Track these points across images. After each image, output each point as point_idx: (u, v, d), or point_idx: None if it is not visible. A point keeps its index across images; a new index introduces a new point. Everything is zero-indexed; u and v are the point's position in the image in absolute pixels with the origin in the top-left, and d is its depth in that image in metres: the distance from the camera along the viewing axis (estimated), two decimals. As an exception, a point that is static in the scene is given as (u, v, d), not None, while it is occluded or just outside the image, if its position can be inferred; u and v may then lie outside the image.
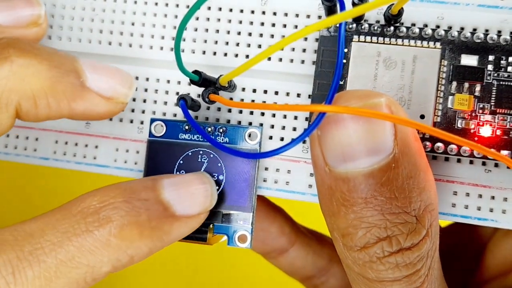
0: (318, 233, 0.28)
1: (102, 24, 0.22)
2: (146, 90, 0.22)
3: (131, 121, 0.22)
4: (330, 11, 0.19)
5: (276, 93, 0.21)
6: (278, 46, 0.16)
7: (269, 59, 0.21)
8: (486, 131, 0.19)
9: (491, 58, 0.19)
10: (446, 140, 0.17)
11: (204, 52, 0.21)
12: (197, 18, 0.21)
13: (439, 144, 0.19)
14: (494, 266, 0.24)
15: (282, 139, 0.21)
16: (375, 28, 0.19)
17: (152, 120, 0.21)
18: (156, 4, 0.22)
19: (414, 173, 0.16)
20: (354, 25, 0.19)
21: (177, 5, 0.22)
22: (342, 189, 0.17)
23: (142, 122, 0.22)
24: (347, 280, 0.26)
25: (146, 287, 0.37)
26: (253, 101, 0.21)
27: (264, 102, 0.21)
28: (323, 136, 0.17)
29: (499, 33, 0.19)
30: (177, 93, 0.21)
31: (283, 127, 0.21)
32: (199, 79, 0.19)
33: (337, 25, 0.19)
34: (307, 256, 0.26)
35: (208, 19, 0.21)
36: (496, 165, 0.19)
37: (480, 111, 0.19)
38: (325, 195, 0.17)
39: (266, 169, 0.21)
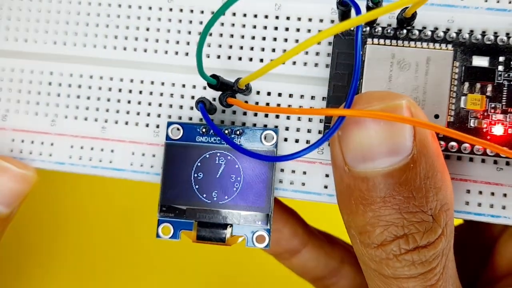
0: (329, 234, 0.28)
1: (119, 30, 0.22)
2: (161, 94, 0.22)
3: (147, 125, 0.22)
4: (344, 15, 0.20)
5: (291, 95, 0.21)
6: (297, 50, 0.16)
7: (284, 63, 0.21)
8: (498, 130, 0.19)
9: (501, 59, 0.19)
10: (460, 140, 0.17)
11: (218, 57, 0.22)
12: (211, 23, 0.22)
13: (453, 143, 0.19)
14: (504, 264, 0.24)
15: (297, 141, 0.21)
16: (389, 31, 0.20)
17: (169, 124, 0.21)
18: (171, 10, 0.22)
19: (432, 174, 0.17)
20: (368, 28, 0.20)
21: (192, 11, 0.22)
22: (361, 188, 0.17)
23: (158, 126, 0.22)
24: (358, 281, 0.27)
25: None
26: (267, 104, 0.21)
27: (279, 104, 0.21)
28: (344, 136, 0.17)
29: (508, 35, 0.20)
30: (192, 97, 0.22)
31: (298, 129, 0.21)
32: (217, 83, 0.20)
33: (351, 29, 0.20)
34: (319, 257, 0.26)
35: (222, 24, 0.22)
36: (508, 163, 0.20)
37: (492, 110, 0.19)
38: (344, 194, 0.18)
39: (282, 170, 0.21)
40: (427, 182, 0.17)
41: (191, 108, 0.22)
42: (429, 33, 0.20)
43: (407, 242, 0.17)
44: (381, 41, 0.20)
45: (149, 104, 0.22)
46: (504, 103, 0.19)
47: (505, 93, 0.19)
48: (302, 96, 0.21)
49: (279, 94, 0.21)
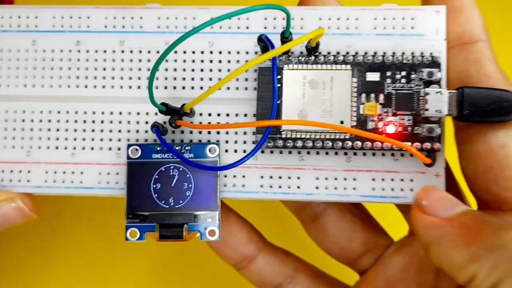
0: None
1: (79, 71, 0.27)
2: (120, 122, 0.26)
3: (110, 148, 0.26)
4: (264, 48, 0.25)
5: (228, 114, 0.26)
6: (228, 79, 0.21)
7: (220, 89, 0.26)
8: (391, 129, 0.24)
9: (389, 73, 0.25)
10: (363, 138, 0.22)
11: (166, 87, 0.26)
12: (158, 60, 0.26)
13: (358, 142, 0.24)
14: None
15: (235, 151, 0.26)
16: (300, 58, 0.25)
17: (129, 146, 0.25)
18: (123, 51, 0.26)
19: None
20: (284, 56, 0.25)
21: (140, 51, 0.26)
22: None
23: (119, 149, 0.26)
24: None
25: None
26: (209, 123, 0.26)
27: (219, 123, 0.26)
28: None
29: (393, 54, 0.25)
30: (146, 122, 0.26)
31: (236, 141, 0.26)
32: (166, 109, 0.24)
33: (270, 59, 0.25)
34: (274, 263, 0.29)
35: (167, 60, 0.26)
36: (402, 154, 0.25)
37: (385, 114, 0.24)
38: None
39: (226, 176, 0.26)
40: None
41: (146, 131, 0.26)
42: (332, 57, 0.25)
43: None
44: (295, 66, 0.25)
45: (110, 131, 0.26)
46: (393, 107, 0.24)
47: (394, 100, 0.24)
48: (237, 115, 0.26)
49: (218, 114, 0.26)
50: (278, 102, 0.24)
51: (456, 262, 0.21)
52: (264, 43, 0.24)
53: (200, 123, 0.26)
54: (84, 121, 0.26)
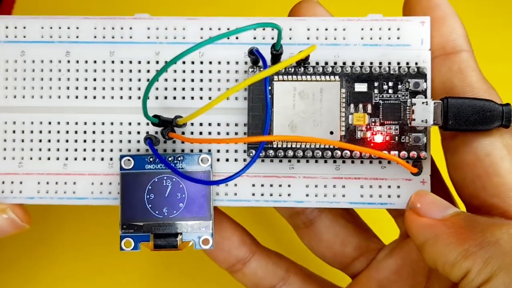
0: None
1: (70, 82, 0.27)
2: (112, 132, 0.27)
3: (102, 159, 0.27)
4: (255, 61, 0.25)
5: (219, 124, 0.26)
6: (226, 94, 0.21)
7: (210, 98, 0.26)
8: (378, 138, 0.25)
9: (376, 84, 0.25)
10: (351, 149, 0.23)
11: (157, 97, 0.27)
12: (148, 71, 0.27)
13: (347, 152, 0.25)
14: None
15: (227, 160, 0.26)
16: (290, 69, 0.25)
17: (122, 156, 0.26)
18: (113, 62, 0.27)
19: None
20: (274, 68, 0.25)
21: (130, 62, 0.27)
22: None
23: (111, 159, 0.27)
24: None
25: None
26: (201, 133, 0.26)
27: (210, 132, 0.26)
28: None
29: (380, 64, 0.26)
30: (138, 133, 0.27)
31: (227, 151, 0.26)
32: (158, 121, 0.25)
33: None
34: (267, 265, 0.29)
35: (157, 71, 0.26)
36: (389, 162, 0.26)
37: (373, 124, 0.25)
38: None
39: (218, 185, 0.26)
40: None
41: (138, 141, 0.26)
42: (321, 68, 0.25)
43: None
44: (285, 77, 0.25)
45: (102, 141, 0.27)
46: (381, 117, 0.25)
47: (381, 110, 0.25)
48: (228, 124, 0.26)
49: (209, 124, 0.26)
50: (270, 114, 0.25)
51: (450, 259, 0.22)
52: (255, 56, 0.25)
53: (192, 133, 0.26)
54: (76, 132, 0.27)
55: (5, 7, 0.41)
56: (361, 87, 0.25)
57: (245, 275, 0.29)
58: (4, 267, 0.38)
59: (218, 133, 0.26)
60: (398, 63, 0.26)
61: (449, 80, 0.25)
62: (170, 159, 0.26)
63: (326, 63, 0.26)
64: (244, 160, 0.26)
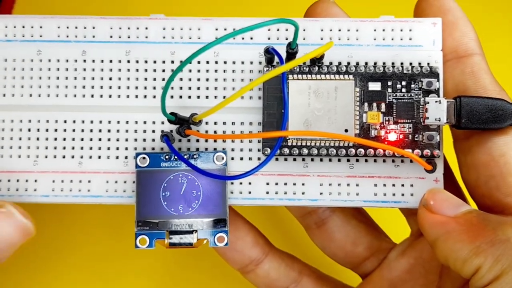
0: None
1: (86, 81, 0.27)
2: (127, 131, 0.27)
3: (117, 157, 0.27)
4: (269, 60, 0.25)
5: (233, 123, 0.27)
6: (246, 89, 0.22)
7: (224, 97, 0.27)
8: (392, 137, 0.25)
9: (389, 83, 0.26)
10: (366, 146, 0.23)
11: (172, 97, 0.27)
12: (163, 70, 0.27)
13: (361, 150, 0.25)
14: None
15: (241, 158, 0.26)
16: (305, 68, 0.26)
17: (137, 154, 0.26)
18: (129, 61, 0.27)
19: None
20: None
21: (146, 61, 0.27)
22: None
23: (126, 157, 0.27)
24: None
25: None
26: (215, 131, 0.27)
27: (225, 131, 0.27)
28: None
29: (393, 64, 0.26)
30: (153, 131, 0.27)
31: (241, 149, 0.26)
32: (175, 119, 0.25)
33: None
34: (280, 267, 0.29)
35: (172, 70, 0.27)
36: (402, 161, 0.26)
37: (387, 122, 0.25)
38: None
39: (232, 183, 0.26)
40: None
41: (153, 140, 0.27)
42: (335, 68, 0.26)
43: None
44: (300, 76, 0.26)
45: (117, 140, 0.27)
46: (394, 116, 0.26)
47: (395, 109, 0.26)
48: (242, 123, 0.27)
49: (224, 123, 0.27)
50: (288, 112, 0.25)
51: (461, 256, 0.22)
52: (271, 55, 0.25)
53: (207, 131, 0.27)
54: (91, 130, 0.27)
55: (5, 7, 0.41)
56: (375, 86, 0.26)
57: (257, 276, 0.29)
58: (4, 267, 0.38)
59: (233, 132, 0.27)
60: (411, 63, 0.26)
61: (462, 83, 0.26)
62: (185, 156, 0.26)
63: (340, 63, 0.26)
64: (259, 159, 0.26)
